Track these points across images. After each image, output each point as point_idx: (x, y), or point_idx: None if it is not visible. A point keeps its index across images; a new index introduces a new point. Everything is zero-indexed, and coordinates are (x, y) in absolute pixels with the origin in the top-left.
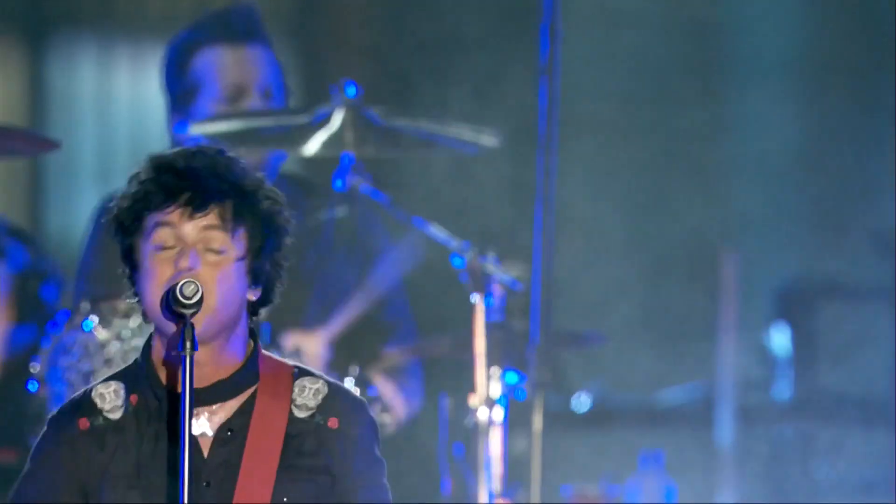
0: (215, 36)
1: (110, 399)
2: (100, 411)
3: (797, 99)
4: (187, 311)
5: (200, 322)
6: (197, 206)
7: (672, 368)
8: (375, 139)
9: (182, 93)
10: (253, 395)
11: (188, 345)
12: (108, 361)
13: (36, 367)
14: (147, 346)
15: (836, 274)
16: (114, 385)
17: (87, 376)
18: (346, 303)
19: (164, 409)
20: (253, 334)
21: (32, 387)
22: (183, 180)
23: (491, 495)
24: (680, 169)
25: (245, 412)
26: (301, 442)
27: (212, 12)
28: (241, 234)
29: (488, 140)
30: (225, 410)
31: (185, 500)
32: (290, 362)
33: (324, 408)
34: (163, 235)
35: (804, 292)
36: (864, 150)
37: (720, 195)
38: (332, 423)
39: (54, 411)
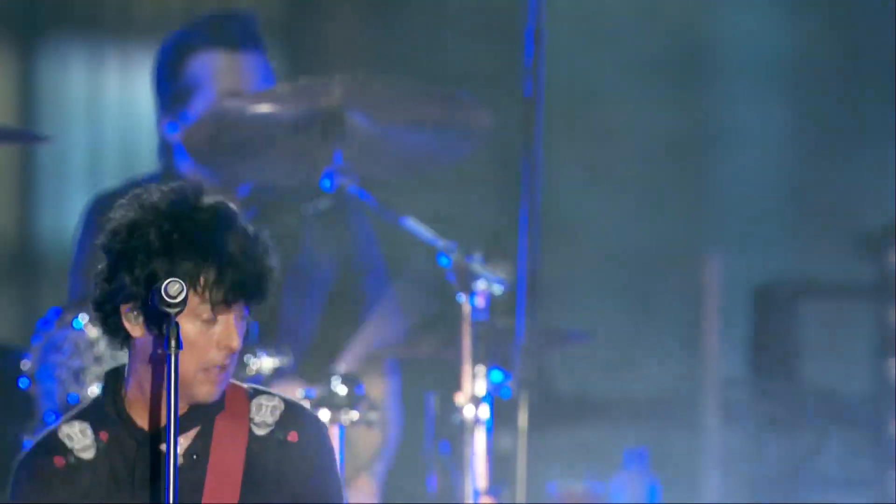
0: (213, 40)
1: (78, 439)
2: (70, 450)
3: (779, 103)
4: (172, 311)
5: (224, 382)
6: (247, 305)
7: (657, 366)
8: (363, 141)
9: (175, 94)
10: (212, 419)
11: (173, 343)
12: (97, 359)
13: (27, 364)
14: (112, 384)
15: (817, 273)
16: (78, 425)
17: (77, 373)
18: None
19: (142, 448)
20: None
21: (23, 384)
22: (239, 286)
23: (476, 493)
24: (664, 171)
25: (205, 435)
26: (263, 459)
27: (210, 16)
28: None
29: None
30: (187, 436)
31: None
32: (244, 385)
33: (282, 423)
34: (206, 316)
35: (785, 291)
36: (846, 152)
37: (704, 196)
38: (292, 436)
39: (22, 455)
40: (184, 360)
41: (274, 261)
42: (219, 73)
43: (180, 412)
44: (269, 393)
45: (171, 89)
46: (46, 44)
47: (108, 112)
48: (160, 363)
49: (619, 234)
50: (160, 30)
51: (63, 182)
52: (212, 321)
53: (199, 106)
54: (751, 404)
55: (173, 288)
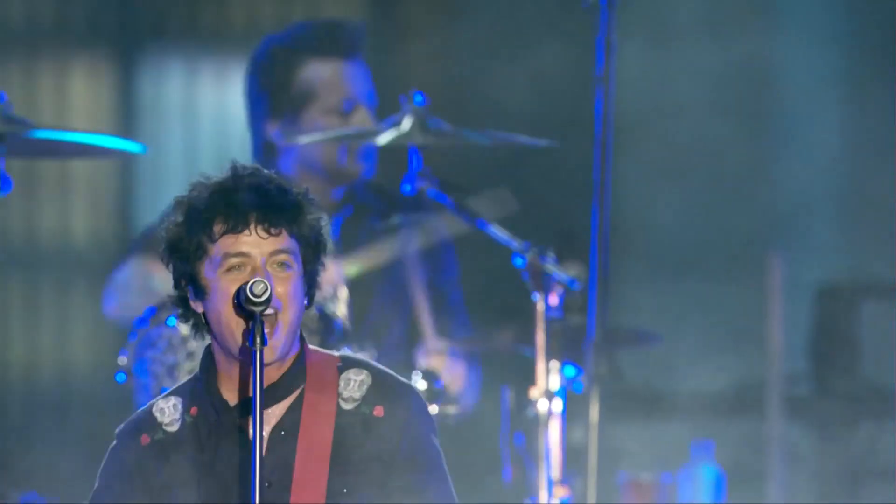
0: (323, 49)
1: (169, 413)
2: (160, 425)
3: (836, 112)
4: (257, 309)
5: (280, 339)
6: (269, 225)
7: (723, 363)
8: (442, 145)
9: (284, 100)
10: (301, 393)
11: (258, 340)
12: (190, 355)
13: (123, 360)
14: (206, 361)
15: (878, 273)
16: (173, 399)
17: (172, 369)
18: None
19: (222, 420)
20: (301, 336)
21: (120, 378)
22: (254, 200)
23: (550, 483)
24: (728, 175)
25: (295, 411)
26: (350, 434)
27: (318, 24)
28: (300, 249)
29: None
30: (276, 412)
31: (256, 490)
32: (336, 353)
33: (368, 398)
34: (234, 261)
35: (846, 291)
36: None
37: (767, 199)
38: (378, 411)
39: (122, 425)
40: (226, 314)
41: (307, 203)
42: (330, 81)
43: (268, 382)
44: (359, 366)
45: (279, 96)
46: (145, 56)
47: (203, 121)
48: (234, 344)
49: (686, 236)
50: (253, 39)
51: (161, 187)
52: (243, 266)
53: (317, 112)
54: (813, 400)
55: (258, 287)
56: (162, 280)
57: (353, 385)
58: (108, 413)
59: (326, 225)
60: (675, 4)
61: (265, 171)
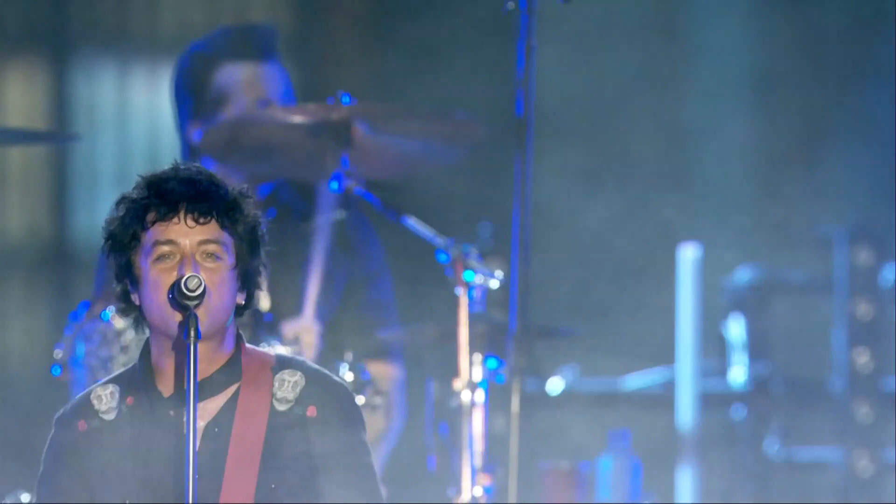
0: (237, 53)
1: (106, 400)
2: (96, 412)
3: (749, 111)
4: (191, 303)
5: (203, 324)
6: (198, 214)
7: (637, 356)
8: (368, 146)
9: (203, 103)
10: (237, 392)
11: (192, 333)
12: (124, 348)
13: (59, 353)
14: (144, 351)
15: (788, 270)
16: (111, 387)
17: (106, 362)
18: (335, 303)
19: (156, 411)
20: (238, 334)
21: (56, 371)
22: (185, 192)
23: (473, 471)
24: (644, 172)
25: (229, 408)
26: (282, 434)
27: (232, 29)
28: (232, 243)
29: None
30: (211, 407)
31: (191, 480)
32: (273, 353)
33: (301, 398)
34: (164, 249)
35: (758, 287)
36: (809, 158)
37: (681, 198)
38: (311, 411)
39: (60, 411)
40: (156, 303)
41: (241, 198)
42: (244, 83)
43: (201, 376)
44: (293, 366)
45: (199, 99)
46: (78, 57)
47: (136, 119)
48: (168, 337)
49: (604, 233)
50: (183, 42)
51: (94, 183)
52: (172, 255)
53: (229, 115)
54: (723, 391)
55: (192, 282)
56: None
57: (287, 386)
58: (45, 404)
59: (264, 227)
60: (592, 10)
61: (206, 170)
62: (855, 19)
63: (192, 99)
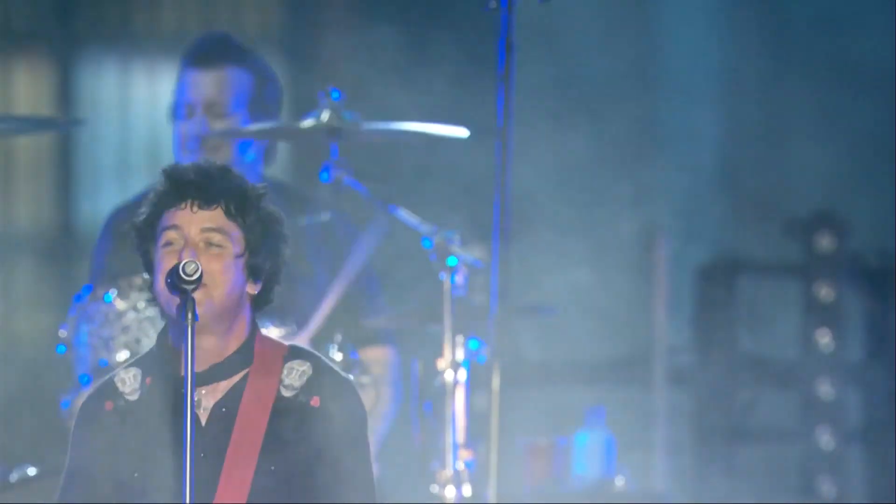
0: (191, 62)
1: (129, 383)
2: (121, 394)
3: (716, 107)
4: (188, 287)
5: (202, 308)
6: (203, 202)
7: (613, 336)
8: (357, 136)
9: (180, 106)
10: (246, 376)
11: (189, 315)
12: (125, 329)
13: (63, 333)
14: (162, 335)
15: (752, 254)
16: (133, 370)
17: (107, 341)
18: (320, 301)
19: (174, 389)
20: (254, 323)
21: (60, 350)
22: (193, 179)
23: (456, 446)
24: (619, 162)
25: (238, 390)
26: (286, 419)
27: (193, 39)
28: (239, 232)
29: (458, 132)
30: (220, 389)
31: (188, 460)
32: (287, 343)
33: (307, 388)
34: (170, 235)
35: (725, 269)
36: (775, 147)
37: (653, 186)
38: (315, 401)
39: (84, 397)
40: (160, 288)
41: (253, 191)
42: (198, 89)
43: (215, 360)
44: (303, 357)
45: (178, 102)
46: (82, 53)
47: (137, 112)
48: (172, 311)
49: (580, 220)
50: (181, 40)
51: (97, 173)
52: (176, 241)
53: (193, 118)
54: (695, 370)
55: (189, 267)
56: None
57: (296, 374)
58: (50, 382)
59: (283, 222)
60: (568, 11)
61: (226, 166)
62: (818, 19)
63: (173, 102)
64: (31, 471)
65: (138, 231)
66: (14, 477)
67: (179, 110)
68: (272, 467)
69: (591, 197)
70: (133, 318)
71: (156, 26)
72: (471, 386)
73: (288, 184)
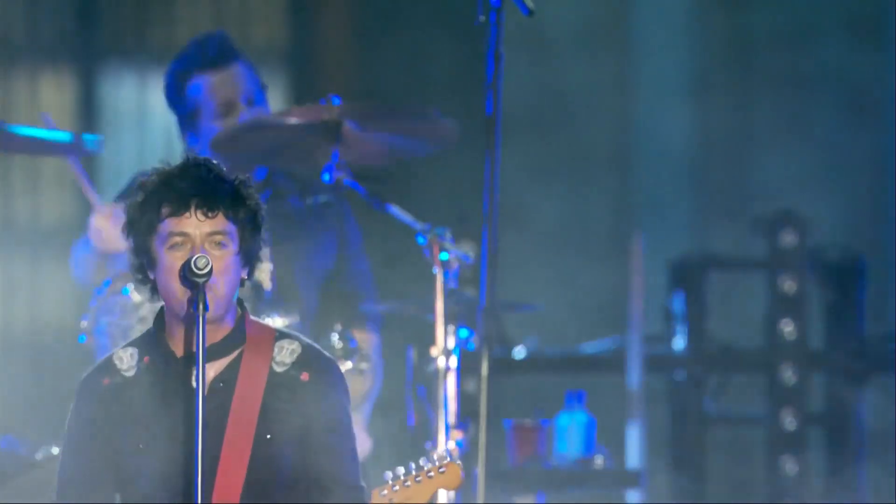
0: (199, 64)
1: (127, 361)
2: (118, 371)
3: (688, 109)
4: (200, 280)
5: (212, 306)
6: (207, 209)
7: (592, 325)
8: (356, 141)
9: (185, 113)
10: (240, 354)
11: (201, 307)
12: (141, 319)
13: (85, 324)
14: (158, 318)
15: (721, 249)
16: (130, 350)
17: (125, 331)
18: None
19: (170, 369)
20: (241, 304)
21: (82, 339)
22: (194, 190)
23: (447, 427)
24: (598, 164)
25: (234, 367)
26: (279, 391)
27: (191, 43)
28: (236, 231)
29: (450, 134)
30: (217, 367)
31: (200, 432)
32: (273, 326)
33: (297, 364)
34: (177, 239)
35: (696, 263)
36: (742, 150)
37: (630, 185)
38: (304, 376)
39: (85, 374)
40: (171, 283)
41: (244, 190)
42: (211, 90)
43: (210, 341)
44: (291, 337)
45: (182, 110)
46: (103, 66)
47: (154, 121)
48: (180, 308)
49: (563, 219)
50: None
51: (117, 178)
52: (184, 244)
53: (205, 120)
54: (668, 358)
55: (201, 262)
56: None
57: (286, 352)
58: (73, 367)
59: (263, 210)
60: (551, 21)
61: (213, 162)
62: (781, 32)
63: (175, 111)
64: (55, 450)
65: (135, 227)
66: (39, 455)
67: (208, 111)
68: (268, 435)
69: (574, 197)
70: (148, 309)
71: (171, 40)
72: (461, 371)
73: (293, 169)
